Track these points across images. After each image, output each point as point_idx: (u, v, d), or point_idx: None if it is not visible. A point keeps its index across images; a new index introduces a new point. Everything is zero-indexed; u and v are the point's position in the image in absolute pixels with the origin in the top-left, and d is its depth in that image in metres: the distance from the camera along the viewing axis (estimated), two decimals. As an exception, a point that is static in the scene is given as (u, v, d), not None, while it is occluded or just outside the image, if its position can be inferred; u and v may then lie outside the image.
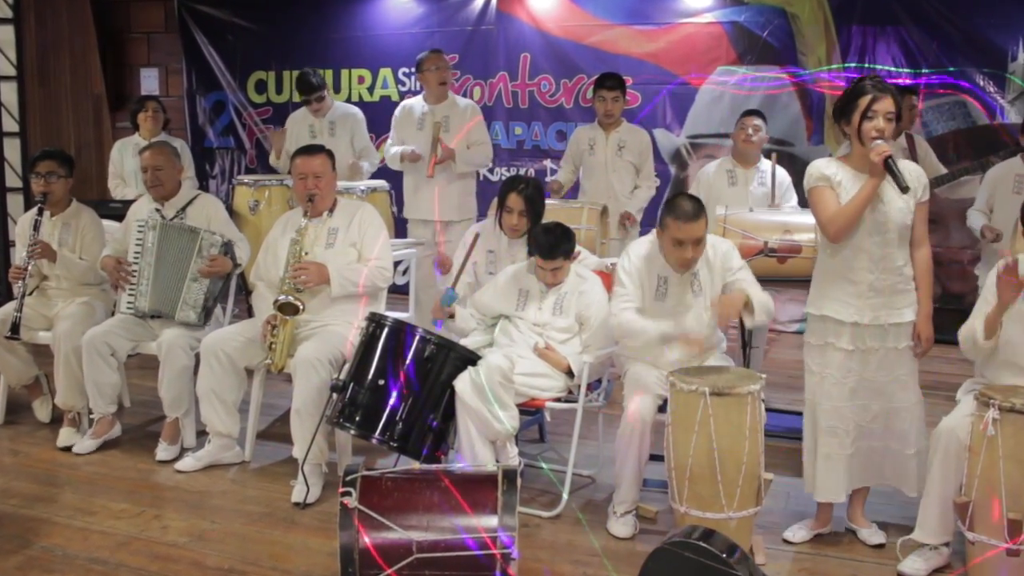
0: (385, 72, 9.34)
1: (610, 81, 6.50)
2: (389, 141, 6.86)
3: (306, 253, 4.74)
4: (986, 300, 3.95)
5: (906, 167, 3.94)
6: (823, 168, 3.98)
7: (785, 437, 4.99)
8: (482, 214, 6.58)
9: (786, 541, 4.10)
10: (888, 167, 3.76)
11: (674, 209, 4.08)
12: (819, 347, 4.03)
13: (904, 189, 3.75)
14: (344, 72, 9.45)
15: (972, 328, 3.89)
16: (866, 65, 7.78)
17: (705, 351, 4.17)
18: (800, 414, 4.20)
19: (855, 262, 3.92)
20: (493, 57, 8.90)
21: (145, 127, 7.10)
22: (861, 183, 3.86)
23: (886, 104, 3.81)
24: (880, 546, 4.04)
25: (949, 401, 4.03)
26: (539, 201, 4.80)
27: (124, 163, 7.10)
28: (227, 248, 5.14)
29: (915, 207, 3.92)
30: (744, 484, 3.79)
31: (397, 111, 6.86)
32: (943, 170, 6.34)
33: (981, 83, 7.64)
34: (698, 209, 4.08)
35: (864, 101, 3.83)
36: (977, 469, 3.63)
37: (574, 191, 6.84)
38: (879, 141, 3.78)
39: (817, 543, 4.11)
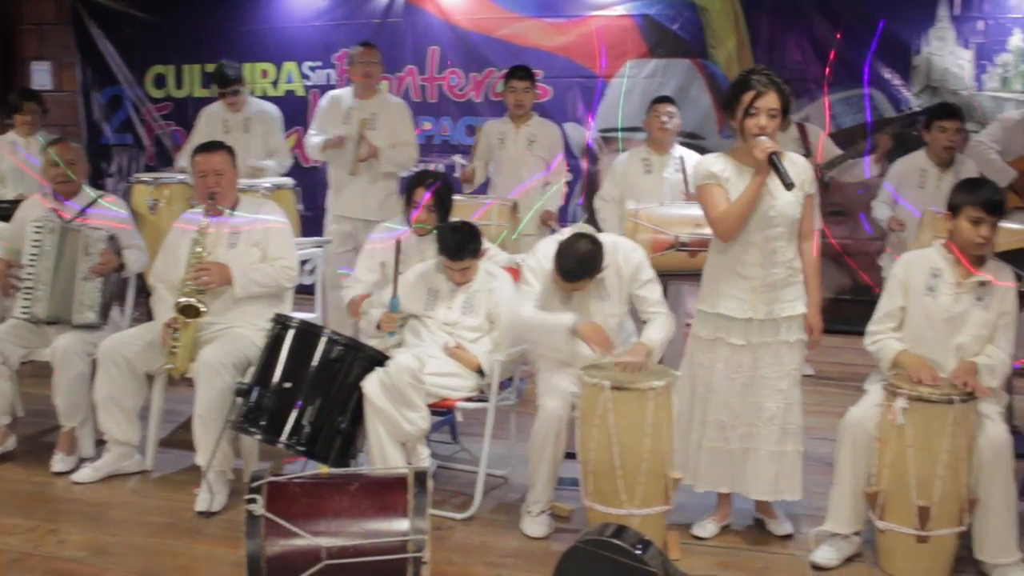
0: (290, 66, 9.25)
1: (520, 72, 6.53)
2: (311, 131, 6.78)
3: (208, 253, 4.67)
4: (890, 293, 4.07)
5: (792, 160, 4.00)
6: (710, 165, 4.02)
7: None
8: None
9: (696, 537, 4.16)
10: (772, 164, 3.80)
11: (564, 263, 4.11)
12: (709, 341, 4.08)
13: (788, 186, 3.79)
14: (247, 66, 9.24)
15: (884, 356, 4.03)
16: (774, 58, 7.92)
17: (610, 347, 4.16)
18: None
19: (746, 257, 3.98)
20: (401, 50, 8.86)
21: (23, 128, 6.93)
22: (747, 177, 3.91)
23: (768, 100, 3.85)
24: (789, 536, 4.13)
25: (858, 391, 4.14)
26: (448, 197, 4.80)
27: (0, 161, 6.91)
28: (113, 243, 5.04)
29: (803, 199, 3.98)
30: (647, 481, 3.85)
31: (323, 100, 6.81)
32: (838, 152, 6.47)
33: (887, 76, 7.84)
34: (585, 272, 4.11)
35: (747, 97, 3.87)
36: (887, 458, 3.75)
37: (484, 186, 6.84)
38: (763, 138, 3.82)
39: (730, 537, 4.19)
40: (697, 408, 4.12)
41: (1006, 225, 4.85)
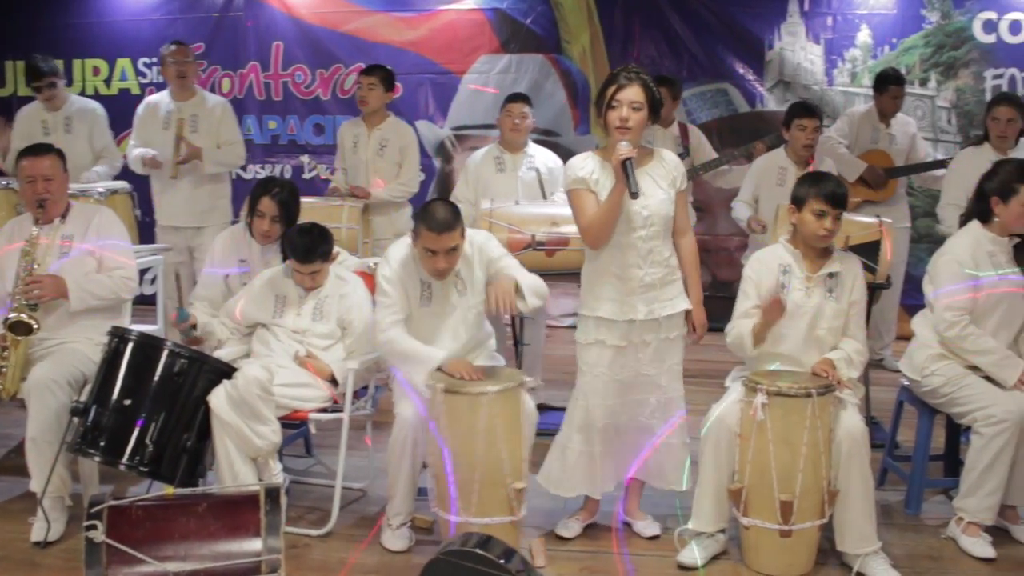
0: (123, 63, 8.99)
1: (367, 67, 6.48)
2: (131, 141, 6.62)
3: (38, 265, 4.51)
4: (745, 294, 4.20)
5: (662, 157, 4.10)
6: (577, 169, 4.07)
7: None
8: (236, 217, 6.43)
9: (559, 537, 4.23)
10: (623, 170, 3.86)
11: (427, 217, 4.03)
12: (589, 345, 4.14)
13: (633, 195, 3.86)
14: (77, 63, 9.02)
15: (741, 335, 4.12)
16: (628, 53, 8.09)
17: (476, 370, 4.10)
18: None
19: (624, 259, 4.04)
20: (243, 46, 8.72)
21: None
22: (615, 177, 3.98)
23: (630, 93, 3.93)
24: (655, 537, 4.23)
25: (720, 388, 4.25)
26: (293, 205, 4.74)
27: None
28: None
29: (675, 196, 4.08)
30: (482, 490, 3.87)
31: (140, 108, 6.64)
32: (715, 156, 6.68)
33: (741, 71, 8.10)
34: (452, 219, 4.03)
35: (610, 91, 3.97)
36: (748, 455, 3.87)
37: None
38: (623, 143, 3.89)
39: (596, 540, 4.26)
40: (580, 412, 4.17)
41: (857, 218, 5.08)
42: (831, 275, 4.11)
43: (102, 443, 4.03)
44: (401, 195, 6.47)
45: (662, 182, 4.05)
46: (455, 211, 4.09)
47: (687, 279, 4.17)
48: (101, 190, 6.01)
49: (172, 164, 6.26)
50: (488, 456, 3.87)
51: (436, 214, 4.02)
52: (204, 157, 6.34)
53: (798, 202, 4.10)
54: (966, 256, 4.29)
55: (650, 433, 4.18)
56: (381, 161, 6.40)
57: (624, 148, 3.87)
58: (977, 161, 5.12)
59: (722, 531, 4.07)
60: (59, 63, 8.16)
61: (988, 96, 7.57)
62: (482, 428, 3.85)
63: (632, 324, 4.06)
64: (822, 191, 4.04)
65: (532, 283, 4.16)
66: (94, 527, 3.21)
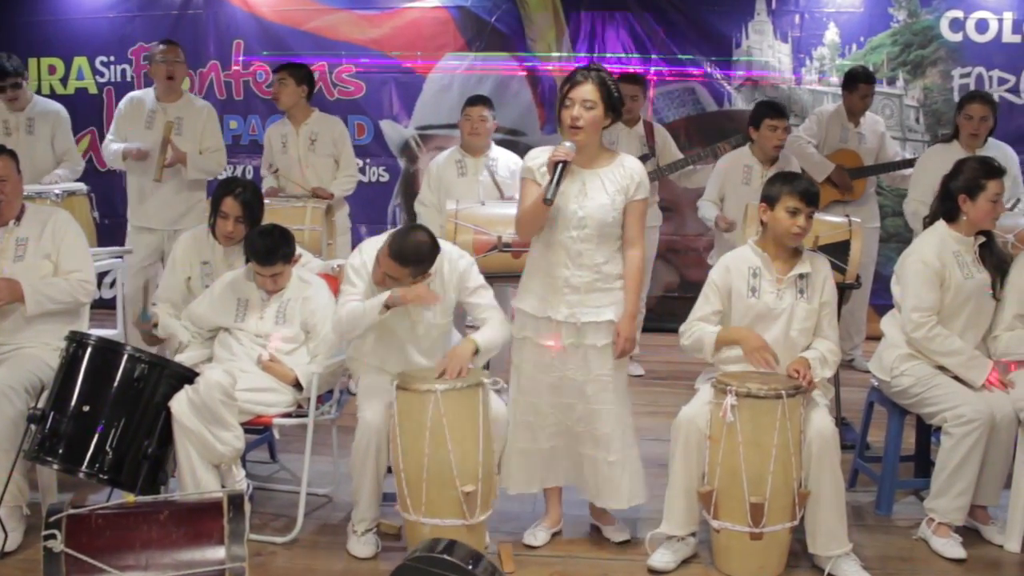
0: (80, 61, 8.90)
1: (279, 66, 6.47)
2: (109, 136, 6.55)
3: (-9, 268, 4.46)
4: (707, 298, 4.23)
5: (622, 163, 4.08)
6: (531, 159, 4.11)
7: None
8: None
9: (528, 546, 4.22)
10: (552, 170, 3.91)
11: (394, 244, 4.05)
12: (519, 340, 4.17)
13: (547, 202, 3.88)
14: (32, 61, 8.87)
15: (702, 340, 4.15)
16: (595, 52, 8.12)
17: (435, 298, 4.16)
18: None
19: (552, 257, 4.06)
20: (203, 44, 8.65)
21: None
22: (570, 173, 3.99)
23: (582, 92, 3.95)
24: (625, 542, 4.24)
25: (690, 390, 4.27)
26: (257, 206, 4.72)
27: None
28: None
29: (627, 205, 4.04)
30: (430, 490, 3.88)
31: (122, 103, 6.58)
32: (680, 156, 6.70)
33: (709, 70, 8.14)
34: (417, 257, 4.04)
35: (564, 89, 4.00)
36: (718, 457, 3.88)
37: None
38: (567, 144, 3.92)
39: (565, 545, 4.26)
40: (509, 409, 4.19)
41: (826, 218, 5.12)
42: (801, 276, 4.13)
43: (60, 450, 3.98)
44: (350, 187, 6.50)
45: (610, 187, 4.02)
46: (423, 252, 4.08)
47: (625, 290, 4.10)
48: (58, 192, 5.96)
49: (158, 167, 6.20)
50: (436, 456, 3.87)
51: (403, 246, 4.04)
52: (188, 163, 6.30)
53: (770, 200, 4.12)
54: (932, 256, 4.32)
55: (577, 441, 4.15)
56: (314, 157, 6.39)
57: (563, 149, 3.91)
58: (946, 159, 5.18)
59: (692, 534, 4.08)
60: (16, 62, 8.08)
61: (956, 95, 7.67)
62: (430, 426, 3.86)
63: (550, 322, 4.07)
64: (796, 188, 4.08)
65: (490, 343, 4.18)
66: (53, 536, 3.19)
